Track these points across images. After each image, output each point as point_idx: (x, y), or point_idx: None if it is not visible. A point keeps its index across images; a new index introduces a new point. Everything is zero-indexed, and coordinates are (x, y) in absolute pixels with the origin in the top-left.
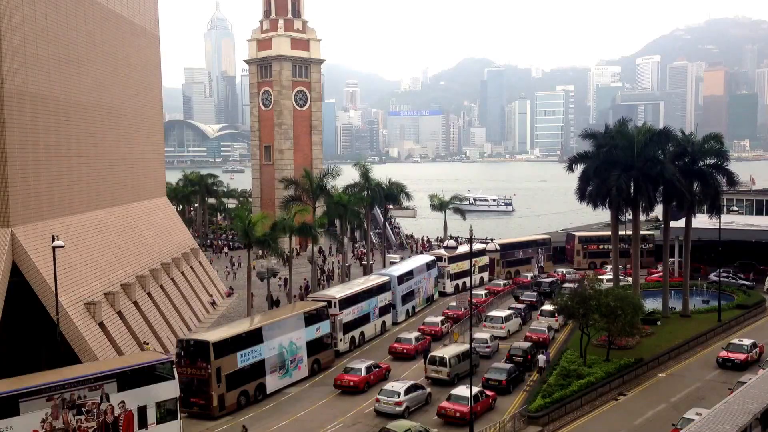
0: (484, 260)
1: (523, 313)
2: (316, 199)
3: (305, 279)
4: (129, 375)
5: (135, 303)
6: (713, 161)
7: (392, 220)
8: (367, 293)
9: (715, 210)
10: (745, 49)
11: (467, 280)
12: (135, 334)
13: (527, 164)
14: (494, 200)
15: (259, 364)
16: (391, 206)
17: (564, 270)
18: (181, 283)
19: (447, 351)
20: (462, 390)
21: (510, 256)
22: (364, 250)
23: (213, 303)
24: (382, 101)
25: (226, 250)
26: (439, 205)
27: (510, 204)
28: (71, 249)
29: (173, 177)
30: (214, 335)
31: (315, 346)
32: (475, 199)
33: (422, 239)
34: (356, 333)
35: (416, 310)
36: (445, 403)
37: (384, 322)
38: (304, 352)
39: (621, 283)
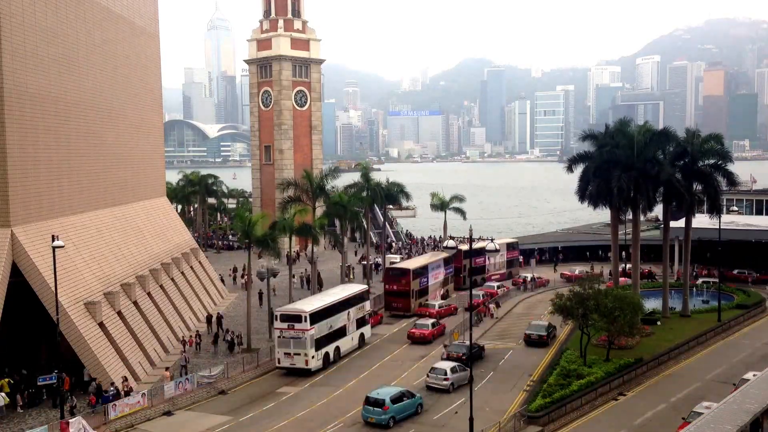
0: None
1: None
2: (315, 199)
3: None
4: None
5: (135, 303)
6: (713, 161)
7: (392, 220)
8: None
9: (715, 210)
10: (745, 49)
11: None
12: (135, 334)
13: (527, 164)
14: None
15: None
16: (391, 206)
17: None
18: (181, 283)
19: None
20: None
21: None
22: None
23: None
24: (382, 101)
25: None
26: (440, 205)
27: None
28: (71, 249)
29: (173, 177)
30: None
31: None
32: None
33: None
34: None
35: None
36: None
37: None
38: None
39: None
